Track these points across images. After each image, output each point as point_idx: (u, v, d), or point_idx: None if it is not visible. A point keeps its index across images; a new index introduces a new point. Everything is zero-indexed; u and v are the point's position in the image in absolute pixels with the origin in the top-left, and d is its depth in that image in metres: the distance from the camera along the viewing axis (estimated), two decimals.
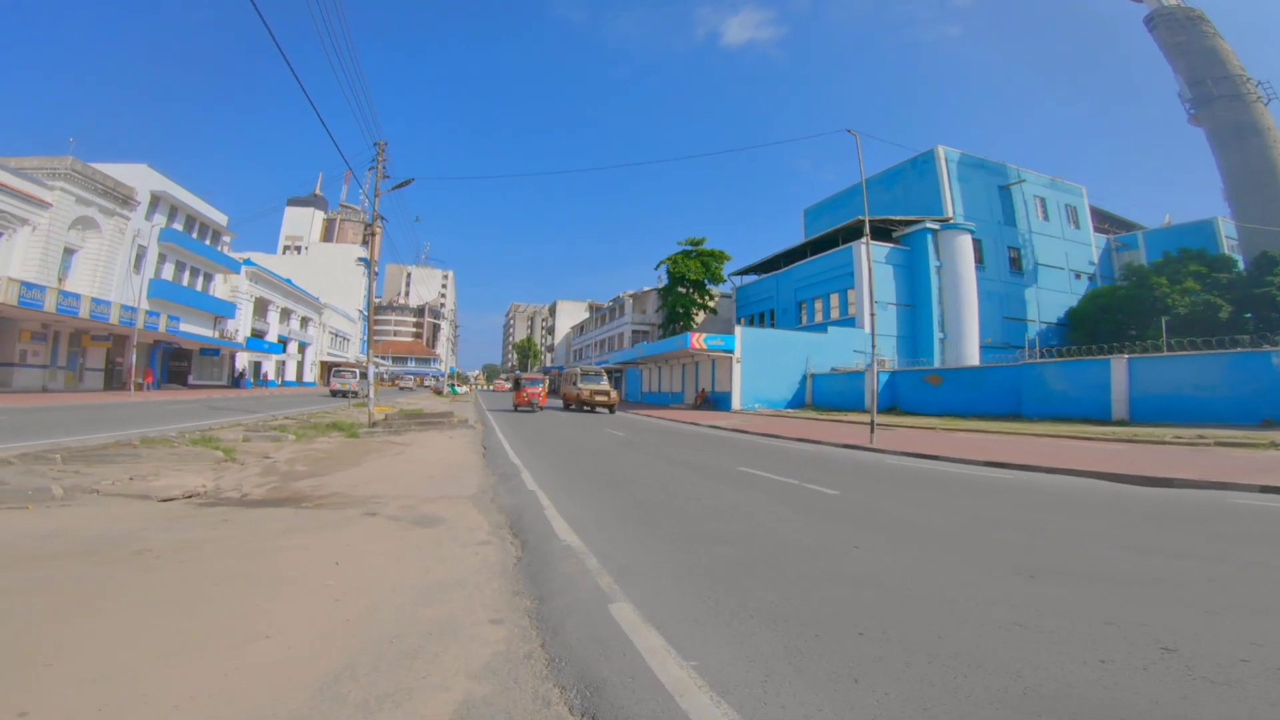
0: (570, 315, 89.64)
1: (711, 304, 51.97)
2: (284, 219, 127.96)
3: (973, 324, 39.39)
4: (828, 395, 33.02)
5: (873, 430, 14.68)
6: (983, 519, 6.50)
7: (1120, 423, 20.30)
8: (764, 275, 52.26)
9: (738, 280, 56.06)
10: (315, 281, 71.35)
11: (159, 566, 4.29)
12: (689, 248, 52.15)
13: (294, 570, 4.28)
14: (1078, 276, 48.80)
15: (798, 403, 34.19)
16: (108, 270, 30.44)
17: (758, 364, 33.06)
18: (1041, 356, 25.08)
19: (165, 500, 6.47)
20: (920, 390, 28.45)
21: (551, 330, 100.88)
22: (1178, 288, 40.05)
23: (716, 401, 34.64)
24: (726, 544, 5.17)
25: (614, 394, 29.51)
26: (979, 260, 41.50)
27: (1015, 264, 45.42)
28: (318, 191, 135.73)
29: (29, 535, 4.91)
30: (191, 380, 39.04)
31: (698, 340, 32.23)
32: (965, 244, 39.93)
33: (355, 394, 50.04)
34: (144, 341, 32.94)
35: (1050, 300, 46.26)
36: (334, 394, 37.32)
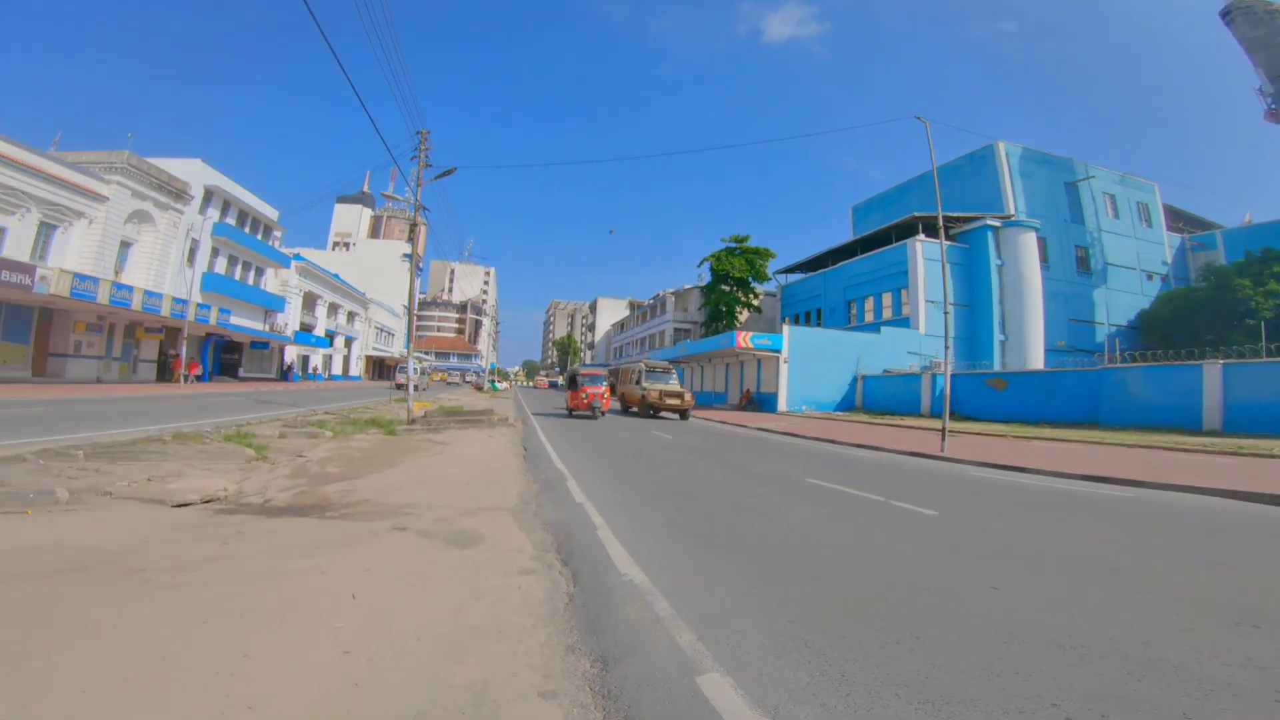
0: (611, 313, 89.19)
1: (755, 302, 50.67)
2: (333, 216, 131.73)
3: (1037, 326, 37.25)
4: (879, 398, 31.46)
5: (944, 437, 13.41)
6: (1136, 547, 5.37)
7: (1212, 433, 18.41)
8: (810, 273, 50.67)
9: (782, 279, 54.57)
10: (362, 277, 72.52)
11: (148, 593, 3.59)
12: (732, 245, 50.95)
13: (302, 603, 3.52)
14: (1149, 277, 45.97)
15: (847, 405, 32.72)
16: (162, 263, 31.04)
17: (806, 364, 31.73)
18: (1122, 360, 23.17)
19: (180, 506, 5.86)
20: (982, 394, 26.71)
21: (592, 327, 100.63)
22: (1262, 289, 37.11)
23: (762, 402, 33.42)
24: (824, 581, 4.22)
25: (688, 396, 23.72)
26: (1043, 259, 39.27)
27: (1083, 263, 42.93)
28: (365, 189, 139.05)
29: (16, 547, 4.29)
30: (242, 373, 39.78)
31: (744, 339, 31.09)
32: (1029, 242, 37.77)
33: (418, 388, 50.92)
34: (196, 334, 33.58)
35: (1120, 302, 43.60)
36: (398, 388, 38.51)
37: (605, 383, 23.95)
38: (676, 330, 55.95)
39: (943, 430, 13.53)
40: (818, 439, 17.21)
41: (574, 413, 23.30)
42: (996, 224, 37.96)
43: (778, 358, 31.75)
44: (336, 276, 57.92)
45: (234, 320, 34.86)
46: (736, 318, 50.56)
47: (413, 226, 16.34)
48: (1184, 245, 48.89)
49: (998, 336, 36.78)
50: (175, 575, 3.91)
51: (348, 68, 10.63)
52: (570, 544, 5.09)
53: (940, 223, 14.59)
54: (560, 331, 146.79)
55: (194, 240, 34.16)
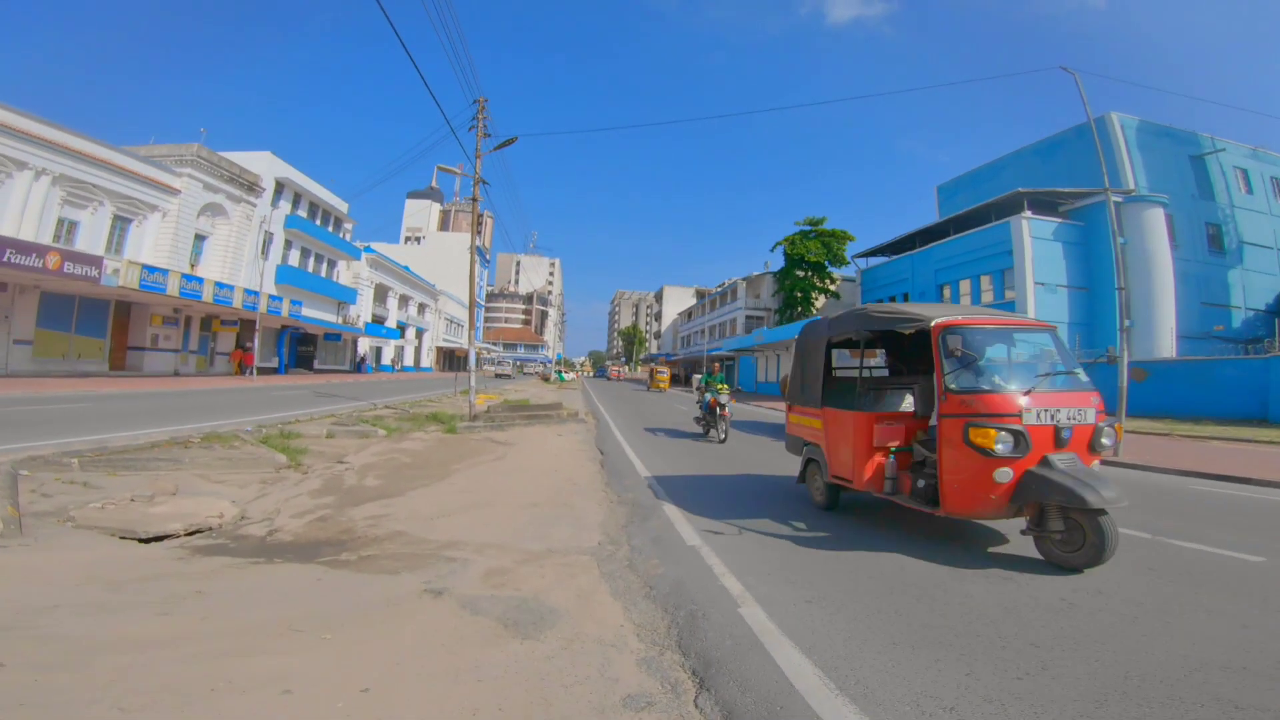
0: (677, 301, 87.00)
1: (832, 287, 47.60)
2: (404, 211, 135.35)
3: (1168, 310, 32.74)
4: None
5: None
6: None
7: None
8: (894, 256, 46.94)
9: (862, 263, 50.99)
10: (432, 270, 73.34)
11: None
12: (807, 228, 48.01)
13: None
14: None
15: None
16: (236, 256, 31.24)
17: None
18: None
19: (153, 539, 4.34)
20: (1114, 386, 23.11)
21: (658, 316, 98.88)
22: None
23: None
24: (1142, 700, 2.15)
25: None
26: (1170, 238, 34.64)
27: (1214, 242, 37.83)
28: (434, 185, 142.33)
29: None
30: (317, 365, 40.18)
31: None
32: (1157, 218, 33.25)
33: (509, 377, 50.96)
34: (271, 326, 33.86)
35: (1257, 284, 38.26)
36: (497, 376, 48.98)
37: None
38: (749, 318, 53.36)
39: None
40: None
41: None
42: (1118, 199, 33.55)
43: None
44: (406, 268, 58.38)
45: (307, 312, 34.95)
46: (812, 304, 47.60)
47: (474, 201, 14.88)
48: None
49: (1123, 322, 32.40)
50: (44, 684, 2.26)
51: (406, 40, 9.12)
52: (697, 631, 3.17)
53: (1108, 194, 11.85)
54: (625, 321, 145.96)
55: (267, 233, 34.37)
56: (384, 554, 4.32)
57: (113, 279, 19.40)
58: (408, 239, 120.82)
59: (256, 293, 27.10)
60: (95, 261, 19.01)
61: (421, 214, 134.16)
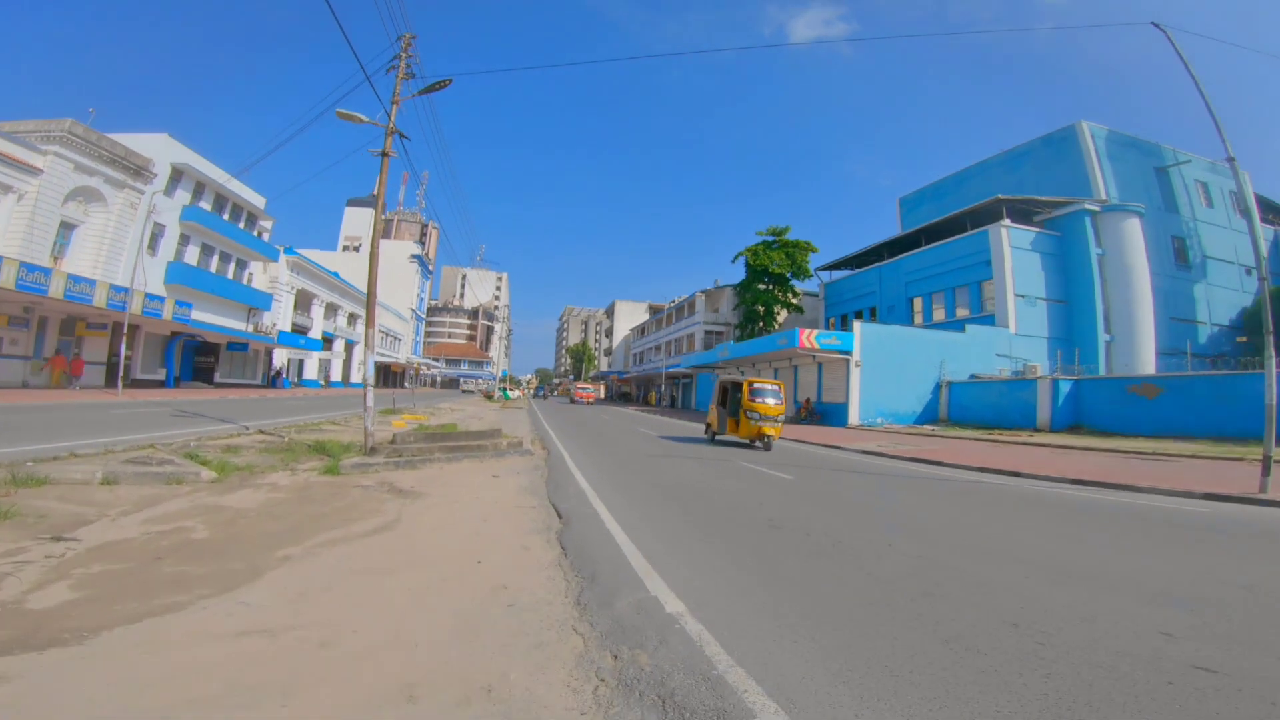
0: (629, 317, 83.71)
1: (796, 301, 45.27)
2: (343, 219, 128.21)
3: (1147, 323, 31.60)
4: (971, 409, 25.82)
5: (1267, 468, 7.89)
6: None
7: None
8: (858, 270, 45.11)
9: (825, 276, 49.07)
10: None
11: None
12: (770, 238, 45.64)
13: None
14: (1248, 272, 40.33)
15: (929, 417, 27.07)
16: (114, 249, 26.15)
17: (880, 368, 26.15)
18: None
19: None
20: (1122, 404, 21.01)
21: (609, 333, 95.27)
22: None
23: (824, 414, 27.84)
24: None
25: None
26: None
27: (1180, 256, 37.36)
28: (376, 192, 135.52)
29: None
30: (219, 378, 34.77)
31: (808, 338, 25.55)
32: (1134, 229, 32.26)
33: (472, 394, 46.12)
34: (158, 332, 28.68)
35: (1221, 299, 37.94)
36: (464, 392, 48.64)
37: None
38: (708, 333, 50.51)
39: (1266, 459, 7.99)
40: (972, 467, 11.73)
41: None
42: (1095, 208, 32.41)
43: (846, 360, 26.18)
44: (335, 274, 53.14)
45: (203, 316, 29.86)
46: (775, 319, 45.12)
47: (384, 155, 11.10)
48: (1277, 239, 43.72)
49: (1102, 336, 31.05)
50: None
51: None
52: None
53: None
54: (574, 339, 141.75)
55: (157, 225, 29.32)
56: None
57: None
58: (346, 247, 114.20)
59: (126, 289, 22.22)
60: None
61: (362, 222, 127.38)
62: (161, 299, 25.31)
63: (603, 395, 73.93)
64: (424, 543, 4.89)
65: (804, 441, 18.11)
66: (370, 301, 9.98)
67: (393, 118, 11.63)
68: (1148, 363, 30.29)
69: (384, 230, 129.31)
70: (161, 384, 28.76)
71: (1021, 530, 6.42)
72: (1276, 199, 48.36)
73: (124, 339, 21.61)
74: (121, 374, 21.77)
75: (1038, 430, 21.96)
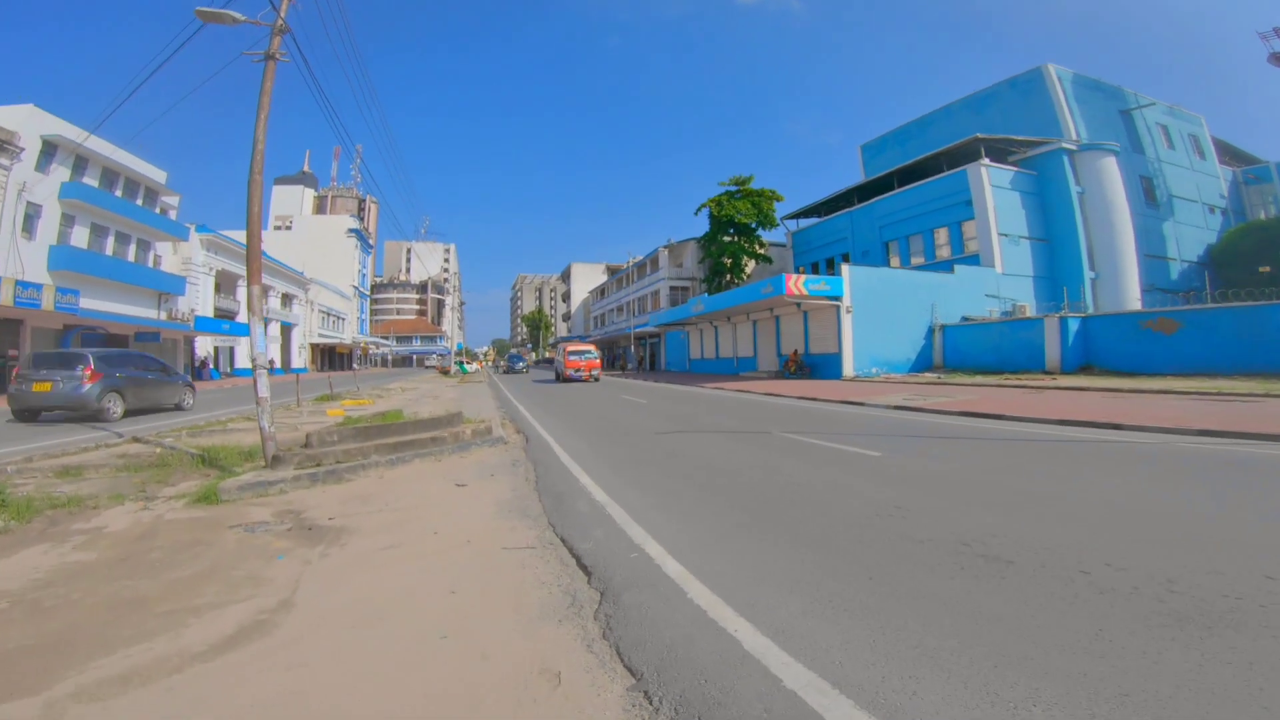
0: (587, 279, 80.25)
1: (763, 251, 43.10)
2: (272, 197, 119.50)
3: (1130, 259, 30.85)
4: (967, 353, 24.16)
5: None
6: None
7: None
8: (827, 216, 43.06)
9: (792, 224, 46.92)
10: (307, 259, 63.21)
11: None
12: (733, 188, 43.02)
13: None
14: (1211, 211, 40.77)
15: (923, 364, 25.38)
16: None
17: (872, 314, 24.16)
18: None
19: None
20: (1135, 341, 19.52)
21: (566, 297, 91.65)
22: None
23: (815, 366, 25.85)
24: None
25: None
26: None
27: (1149, 195, 36.91)
28: (306, 169, 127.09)
29: None
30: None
31: (795, 284, 23.22)
32: (1111, 167, 31.34)
33: (447, 372, 41.66)
34: (47, 326, 24.49)
35: (1188, 236, 38.02)
36: (442, 373, 44.04)
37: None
38: (674, 289, 48.04)
39: None
40: (1068, 422, 9.63)
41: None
42: (1072, 148, 31.12)
43: (835, 307, 24.08)
44: (265, 254, 48.15)
45: (97, 304, 25.70)
46: (743, 270, 42.92)
47: (268, 59, 8.04)
48: (1235, 179, 44.37)
49: (1087, 274, 29.99)
50: None
51: None
52: None
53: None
54: (529, 306, 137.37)
55: (34, 205, 24.88)
56: None
57: None
58: (277, 227, 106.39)
59: None
60: None
61: (292, 200, 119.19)
62: (39, 286, 21.20)
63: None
64: (329, 672, 2.29)
65: (811, 399, 15.82)
66: (252, 245, 7.09)
67: (282, 13, 8.46)
68: (1133, 299, 29.49)
69: (318, 206, 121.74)
70: None
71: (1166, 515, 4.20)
72: (1234, 142, 48.64)
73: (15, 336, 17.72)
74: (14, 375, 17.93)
75: (1048, 373, 20.39)
